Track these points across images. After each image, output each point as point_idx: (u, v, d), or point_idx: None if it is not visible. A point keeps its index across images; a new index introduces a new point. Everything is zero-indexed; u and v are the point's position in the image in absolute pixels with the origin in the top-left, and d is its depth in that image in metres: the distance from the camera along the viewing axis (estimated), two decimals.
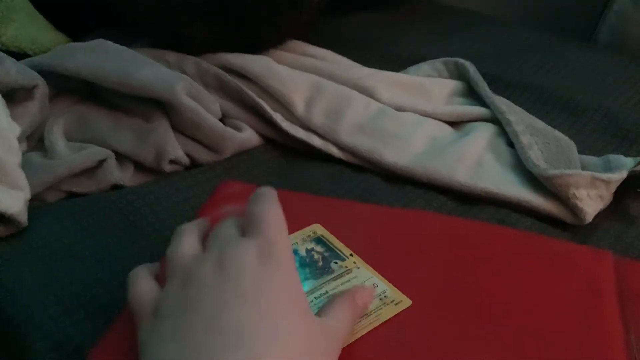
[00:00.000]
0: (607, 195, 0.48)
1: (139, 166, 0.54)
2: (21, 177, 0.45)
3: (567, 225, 0.48)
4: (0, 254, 0.43)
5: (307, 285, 0.36)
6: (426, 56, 0.69)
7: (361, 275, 0.37)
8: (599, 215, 0.48)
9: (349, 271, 0.37)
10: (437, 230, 0.41)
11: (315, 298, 0.35)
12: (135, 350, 0.32)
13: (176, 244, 0.33)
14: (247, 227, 0.32)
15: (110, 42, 0.58)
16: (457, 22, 0.87)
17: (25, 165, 0.47)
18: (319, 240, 0.39)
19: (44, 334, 0.37)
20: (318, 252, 0.38)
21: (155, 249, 0.43)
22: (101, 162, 0.51)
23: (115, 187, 0.52)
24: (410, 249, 0.39)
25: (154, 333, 0.29)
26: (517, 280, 0.37)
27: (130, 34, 0.66)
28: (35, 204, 0.48)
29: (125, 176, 0.52)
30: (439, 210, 0.48)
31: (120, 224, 0.46)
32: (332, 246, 0.39)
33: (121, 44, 0.58)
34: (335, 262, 0.37)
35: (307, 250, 0.38)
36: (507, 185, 0.49)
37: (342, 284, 0.36)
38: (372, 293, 0.35)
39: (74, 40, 0.67)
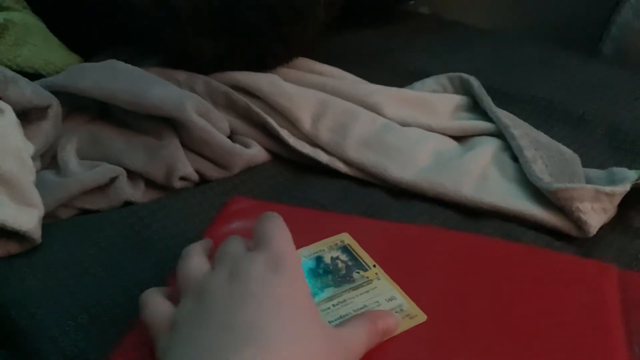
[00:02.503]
0: (611, 208, 0.48)
1: (149, 183, 0.55)
2: (35, 195, 0.46)
3: (571, 239, 0.48)
4: (16, 271, 0.43)
5: (327, 292, 0.37)
6: (431, 71, 0.70)
7: (381, 287, 0.37)
8: (603, 228, 0.48)
9: (369, 281, 0.38)
10: (444, 246, 0.41)
11: (333, 305, 0.36)
12: None
13: (185, 264, 0.34)
14: (255, 244, 0.33)
15: (121, 62, 0.59)
16: (461, 37, 0.87)
17: (39, 183, 0.48)
18: (345, 249, 0.40)
19: (57, 348, 0.38)
20: (342, 261, 0.39)
21: (166, 264, 0.44)
22: (113, 180, 0.52)
23: (127, 203, 0.52)
24: (418, 264, 0.40)
25: (172, 342, 0.30)
26: (521, 294, 0.37)
27: (141, 53, 0.68)
28: (49, 220, 0.48)
29: (136, 193, 0.53)
30: (445, 224, 0.49)
31: (132, 240, 0.47)
32: (356, 255, 0.40)
33: (132, 64, 0.59)
34: (358, 272, 0.38)
35: (332, 258, 0.39)
36: (512, 199, 0.50)
37: (361, 293, 0.37)
38: (397, 321, 0.34)
39: (87, 60, 0.69)
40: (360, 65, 0.73)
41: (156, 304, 0.33)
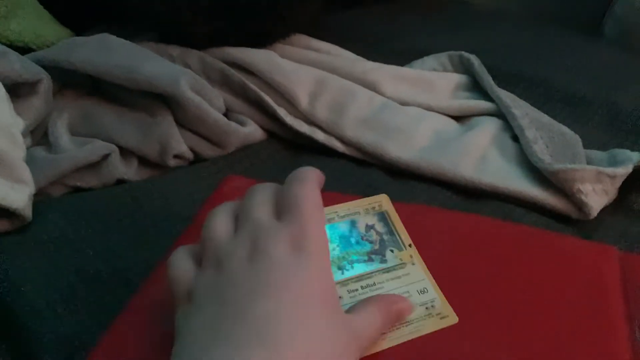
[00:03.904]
0: (612, 189, 0.48)
1: (143, 161, 0.54)
2: (25, 172, 0.45)
3: (572, 220, 0.47)
4: (6, 249, 0.43)
5: (357, 269, 0.34)
6: (431, 50, 0.69)
7: (413, 274, 0.35)
8: (604, 210, 0.48)
9: (402, 265, 0.35)
10: (441, 226, 0.41)
11: (362, 287, 0.34)
12: (135, 349, 0.32)
13: (210, 223, 0.32)
14: (281, 209, 0.31)
15: (114, 37, 0.58)
16: (461, 16, 0.86)
17: (29, 160, 0.47)
18: (382, 216, 0.37)
19: (49, 329, 0.38)
20: (377, 232, 0.36)
21: (159, 246, 0.43)
22: (105, 157, 0.51)
23: (119, 181, 0.52)
24: (418, 244, 0.39)
25: (186, 320, 0.29)
26: (520, 276, 0.37)
27: (134, 28, 0.66)
28: (40, 198, 0.48)
29: (129, 171, 0.52)
30: (444, 205, 0.48)
31: (124, 220, 0.46)
32: (393, 228, 0.37)
33: (125, 39, 0.58)
34: (392, 251, 0.36)
35: (367, 227, 0.36)
36: (512, 179, 0.49)
37: (392, 278, 0.34)
38: (411, 309, 0.33)
39: (78, 35, 0.67)
40: (358, 43, 0.72)
41: (180, 265, 0.31)
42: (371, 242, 0.36)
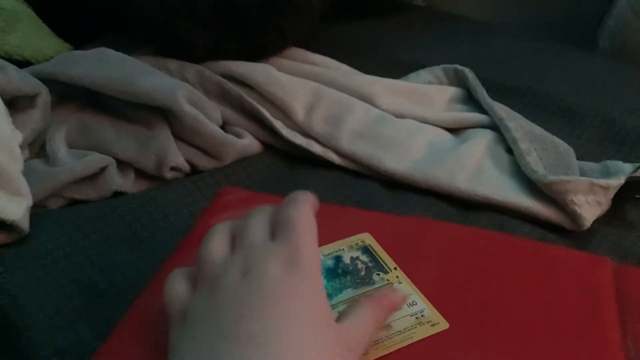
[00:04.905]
0: (605, 201, 0.48)
1: (140, 173, 0.54)
2: (23, 184, 0.45)
3: (565, 231, 0.48)
4: (3, 261, 0.43)
5: (346, 294, 0.36)
6: (426, 63, 0.70)
7: (401, 290, 0.36)
8: (597, 221, 0.48)
9: (389, 285, 0.37)
10: (436, 237, 0.41)
11: None
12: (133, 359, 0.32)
13: (206, 245, 0.32)
14: (277, 230, 0.32)
15: (112, 50, 0.58)
16: (456, 29, 0.87)
17: (27, 173, 0.47)
18: (365, 249, 0.39)
19: (47, 341, 0.38)
20: (362, 262, 0.38)
21: (156, 258, 0.43)
22: (102, 169, 0.51)
23: (117, 193, 0.52)
24: (412, 256, 0.39)
25: (181, 339, 0.29)
26: (514, 287, 0.37)
27: (132, 42, 0.67)
28: (37, 210, 0.48)
29: (126, 183, 0.52)
30: (438, 216, 0.49)
31: (122, 232, 0.46)
32: (377, 257, 0.38)
33: (123, 52, 0.59)
34: (378, 274, 0.37)
35: (351, 259, 0.38)
36: (506, 191, 0.49)
37: None
38: (402, 297, 0.34)
39: (77, 49, 0.68)
40: (355, 56, 0.73)
41: (176, 287, 0.32)
42: (357, 270, 0.37)
